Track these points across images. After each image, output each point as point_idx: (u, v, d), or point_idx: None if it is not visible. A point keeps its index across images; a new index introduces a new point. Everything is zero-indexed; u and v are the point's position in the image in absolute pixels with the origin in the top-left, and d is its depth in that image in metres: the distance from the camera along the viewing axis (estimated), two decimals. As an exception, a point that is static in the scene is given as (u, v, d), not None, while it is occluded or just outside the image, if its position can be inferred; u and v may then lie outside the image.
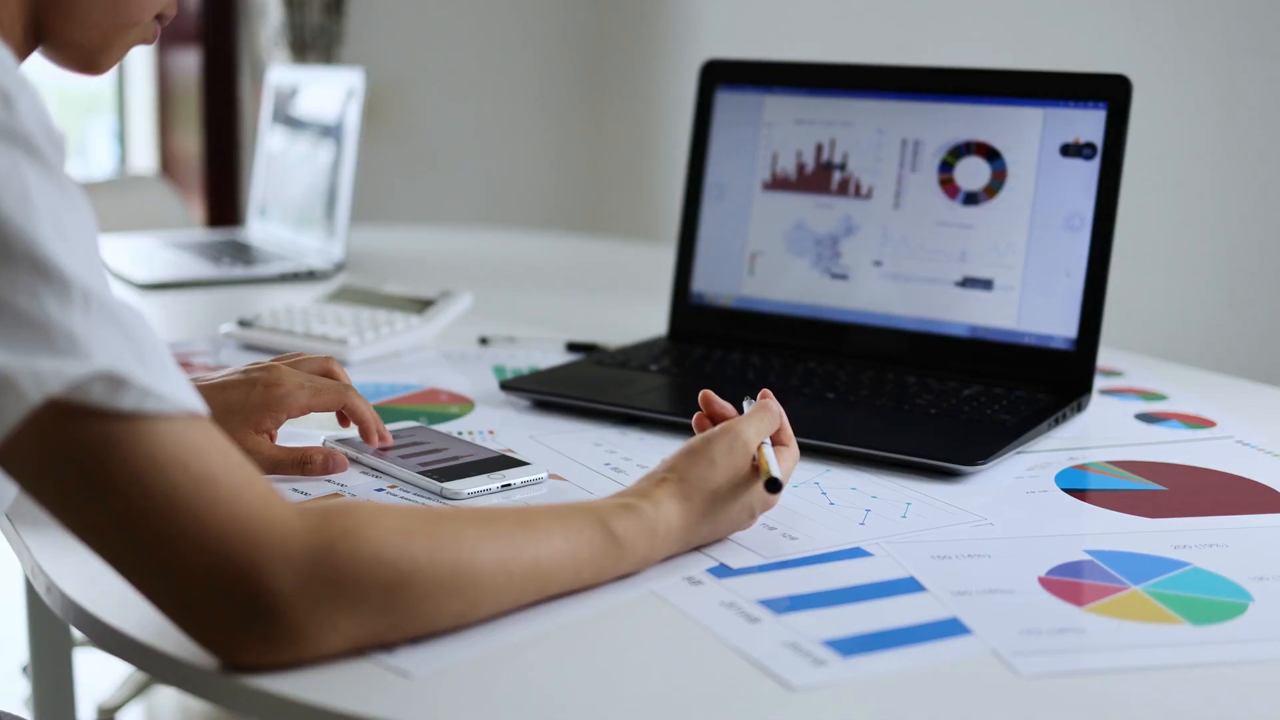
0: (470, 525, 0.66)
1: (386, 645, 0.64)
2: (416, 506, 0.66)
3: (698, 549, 0.79)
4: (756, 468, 0.80)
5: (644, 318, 1.48)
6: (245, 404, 0.89)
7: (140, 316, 0.61)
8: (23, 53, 0.77)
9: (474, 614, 0.66)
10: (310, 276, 1.79)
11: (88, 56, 0.80)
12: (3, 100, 0.59)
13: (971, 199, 1.21)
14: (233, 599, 0.59)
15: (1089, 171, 1.16)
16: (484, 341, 1.38)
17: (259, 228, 2.12)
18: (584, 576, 0.71)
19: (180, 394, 0.60)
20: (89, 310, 0.58)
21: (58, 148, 0.61)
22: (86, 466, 0.58)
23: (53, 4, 0.76)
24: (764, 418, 0.83)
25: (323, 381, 0.93)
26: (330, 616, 0.61)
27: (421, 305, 1.39)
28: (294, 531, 0.60)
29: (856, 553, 0.80)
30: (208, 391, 0.89)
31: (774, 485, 0.78)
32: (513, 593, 0.67)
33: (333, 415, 0.96)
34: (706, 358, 1.24)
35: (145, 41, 0.83)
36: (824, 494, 0.91)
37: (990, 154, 1.20)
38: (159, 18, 0.82)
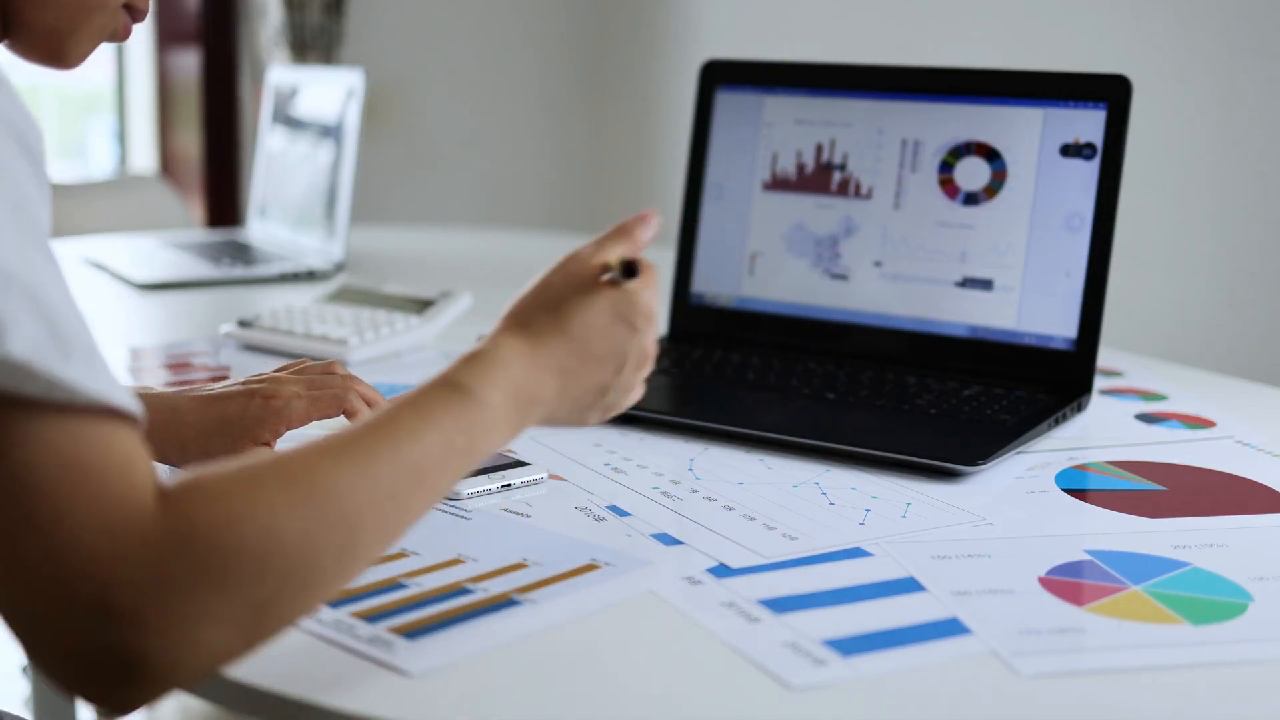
0: (329, 458, 0.60)
1: (282, 624, 0.58)
2: (271, 459, 0.58)
3: (618, 421, 0.72)
4: (611, 282, 0.73)
5: (644, 318, 1.48)
6: (243, 417, 0.88)
7: (73, 308, 0.58)
8: None
9: (364, 538, 0.60)
10: (310, 276, 1.79)
11: (55, 44, 0.77)
12: None
13: (971, 199, 1.21)
14: (83, 625, 0.53)
15: (1089, 171, 1.16)
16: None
17: (259, 228, 2.12)
18: (465, 452, 0.65)
19: (92, 388, 0.55)
20: (8, 293, 0.54)
21: (18, 136, 0.58)
22: None
23: None
24: (609, 237, 0.76)
25: (323, 386, 0.92)
26: (201, 606, 0.54)
27: (421, 305, 1.39)
28: (144, 534, 0.54)
29: (856, 553, 0.80)
30: (205, 403, 0.89)
31: (630, 269, 0.72)
32: (400, 502, 0.62)
33: (341, 417, 0.95)
34: (706, 358, 1.24)
35: (116, 37, 0.80)
36: (824, 494, 0.92)
37: (990, 154, 1.20)
38: (130, 10, 0.80)
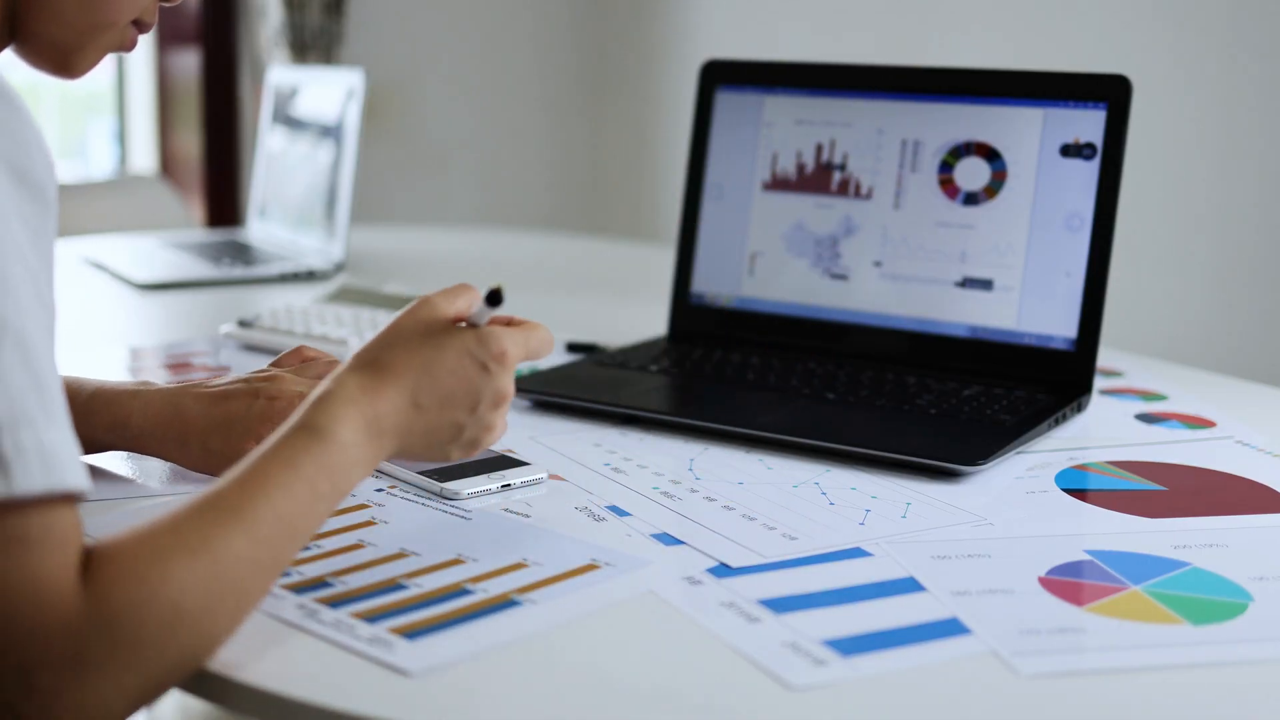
0: (221, 526, 0.63)
1: (176, 682, 0.62)
2: (169, 525, 0.62)
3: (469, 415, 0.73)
4: (458, 321, 0.75)
5: (644, 318, 1.48)
6: (247, 415, 0.88)
7: (50, 362, 0.60)
8: None
9: (250, 600, 0.64)
10: (310, 277, 1.79)
11: (62, 57, 0.78)
12: None
13: (971, 199, 1.21)
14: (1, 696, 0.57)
15: (1089, 171, 1.16)
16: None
17: (259, 228, 2.12)
18: (328, 496, 0.68)
19: (40, 483, 0.58)
20: None
21: (20, 174, 0.60)
22: None
23: (28, 0, 0.75)
24: (460, 289, 0.77)
25: None
26: (112, 682, 0.58)
27: (421, 305, 1.39)
28: (66, 615, 0.57)
29: (856, 553, 0.80)
30: (209, 401, 0.89)
31: (494, 297, 0.73)
32: (277, 558, 0.65)
33: None
34: (706, 358, 1.24)
35: (123, 48, 0.81)
36: (824, 494, 0.92)
37: (990, 154, 1.20)
38: (138, 24, 0.81)
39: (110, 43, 0.79)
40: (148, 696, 0.61)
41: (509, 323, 0.78)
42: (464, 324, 0.76)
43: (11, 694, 0.57)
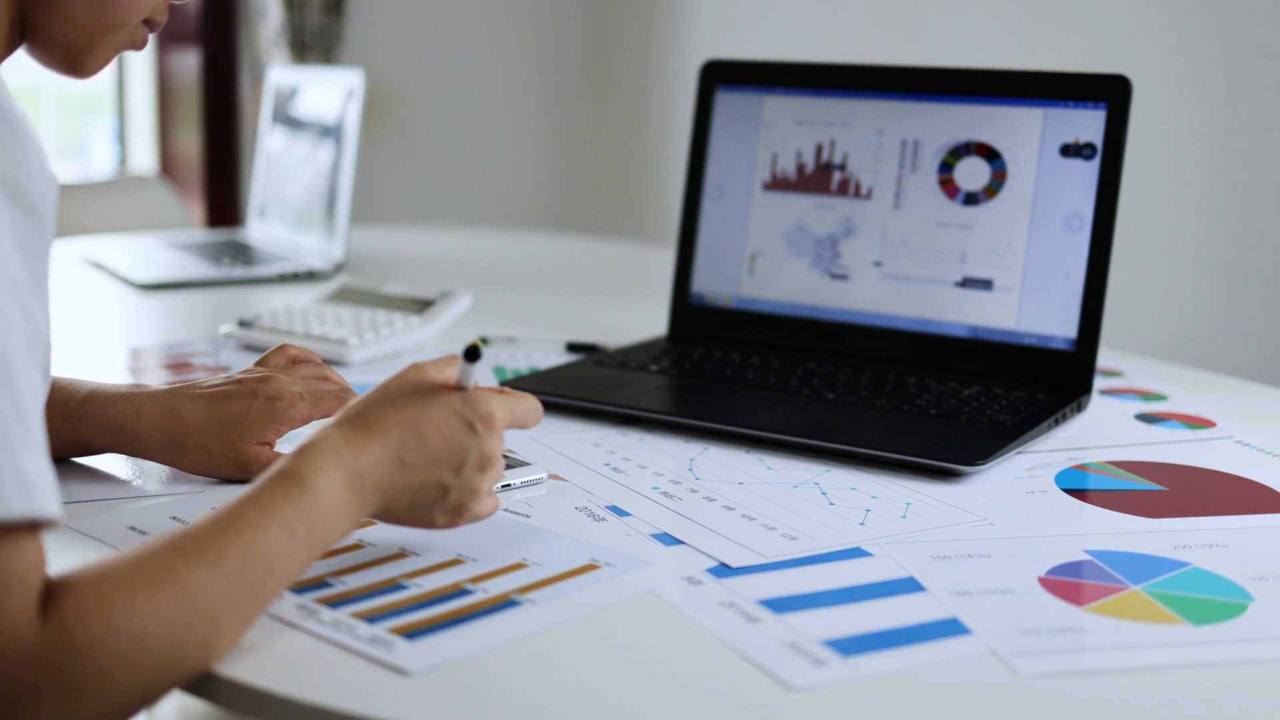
0: (184, 559, 0.62)
1: (142, 709, 0.61)
2: (133, 559, 0.61)
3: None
4: (447, 386, 0.75)
5: (644, 318, 1.48)
6: (246, 416, 0.88)
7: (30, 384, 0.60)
8: (6, 51, 0.76)
9: (223, 632, 0.63)
10: (310, 277, 1.79)
11: (72, 57, 0.78)
12: None
13: (971, 199, 1.21)
14: None
15: (1089, 172, 1.16)
16: (484, 342, 1.38)
17: (259, 228, 2.12)
18: (306, 540, 0.67)
19: (16, 507, 0.57)
20: None
21: (15, 193, 0.60)
22: None
23: (38, 1, 0.75)
24: (450, 359, 0.78)
25: (322, 388, 0.92)
26: (72, 716, 0.58)
27: (421, 305, 1.40)
28: (26, 651, 0.57)
29: (856, 553, 0.80)
30: (207, 404, 0.88)
31: (472, 353, 0.74)
32: (253, 593, 0.64)
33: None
34: (706, 358, 1.24)
35: (134, 47, 0.81)
36: (824, 494, 0.92)
37: (990, 154, 1.20)
38: (148, 23, 0.81)
39: (121, 42, 0.80)
40: (125, 712, 0.60)
41: (499, 393, 0.78)
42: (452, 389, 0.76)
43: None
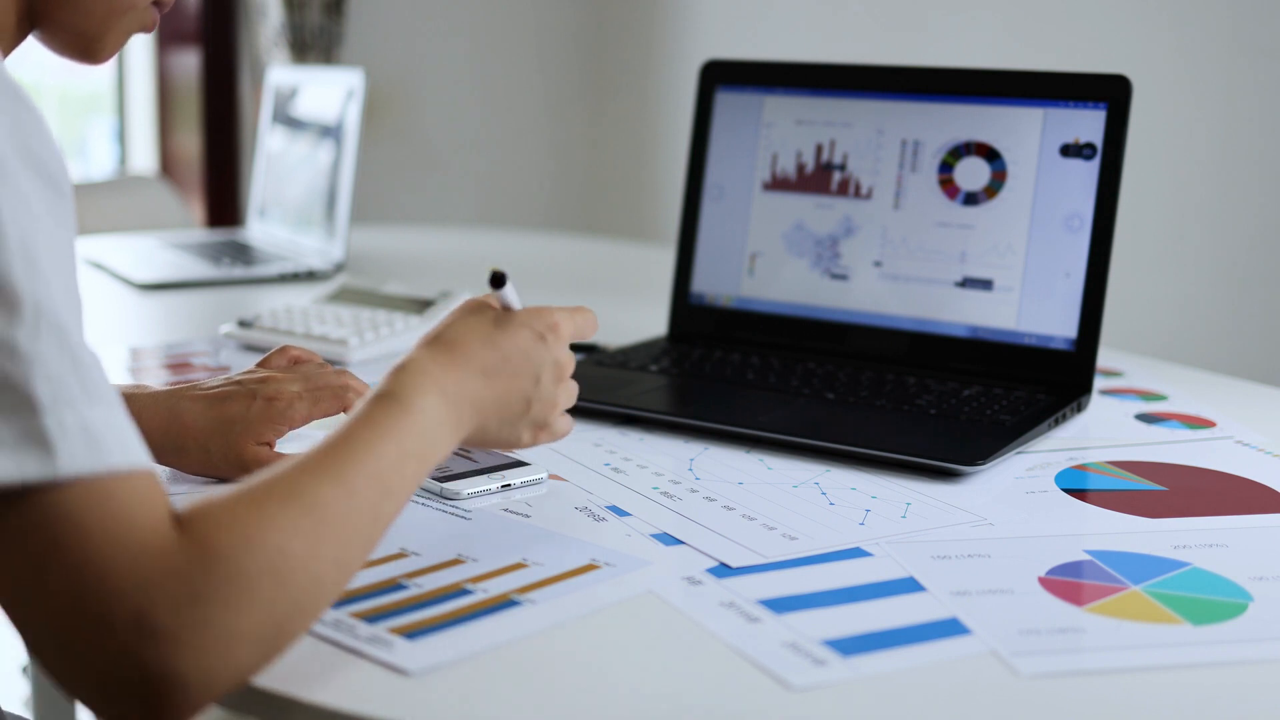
0: (309, 476, 0.63)
1: (294, 637, 0.61)
2: (262, 481, 0.62)
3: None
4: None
5: (644, 318, 1.48)
6: (246, 417, 0.88)
7: (90, 352, 0.60)
8: (16, 39, 0.76)
9: (351, 554, 0.64)
10: (310, 277, 1.79)
11: (85, 44, 0.78)
12: None
13: (971, 199, 1.21)
14: (123, 649, 0.56)
15: (1089, 172, 1.16)
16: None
17: (259, 228, 2.12)
18: (418, 456, 0.69)
19: (83, 458, 0.57)
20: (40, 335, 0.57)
21: (38, 167, 0.60)
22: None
23: None
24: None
25: (321, 380, 0.92)
26: (229, 624, 0.57)
27: (421, 305, 1.40)
28: (171, 560, 0.57)
29: (856, 553, 0.80)
30: (206, 404, 0.88)
31: (497, 279, 0.77)
32: (376, 515, 0.66)
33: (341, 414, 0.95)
34: (706, 358, 1.24)
35: (145, 29, 0.81)
36: (824, 494, 0.92)
37: (990, 154, 1.20)
38: (157, 4, 0.81)
39: (131, 25, 0.80)
40: (269, 648, 0.60)
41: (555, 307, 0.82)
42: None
43: (134, 644, 0.55)
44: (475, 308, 0.79)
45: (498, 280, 0.77)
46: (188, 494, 0.88)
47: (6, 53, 0.76)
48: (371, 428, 0.68)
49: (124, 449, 0.59)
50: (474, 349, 0.75)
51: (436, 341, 0.75)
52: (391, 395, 0.70)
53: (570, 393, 0.82)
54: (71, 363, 0.59)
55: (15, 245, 0.57)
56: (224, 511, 0.60)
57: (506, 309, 0.79)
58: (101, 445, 0.58)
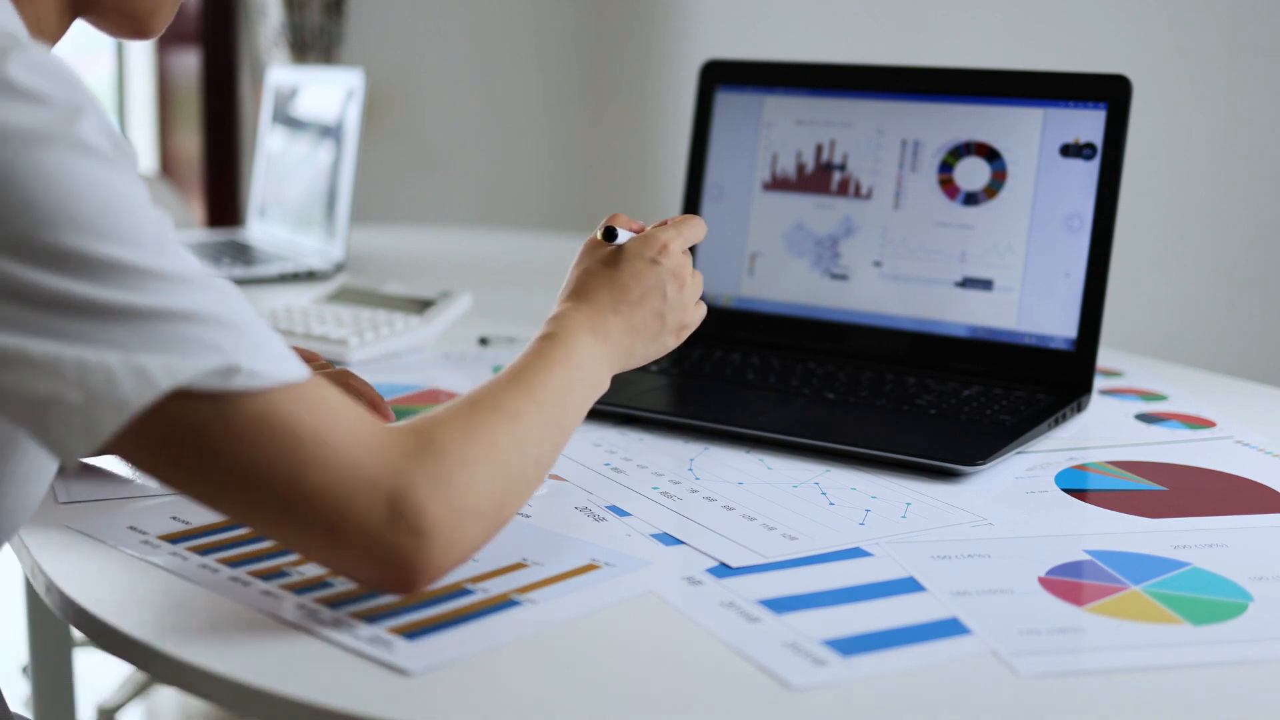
0: (503, 389, 0.74)
1: (506, 521, 0.70)
2: (461, 398, 0.73)
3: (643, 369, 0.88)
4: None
5: (644, 318, 1.48)
6: None
7: (238, 295, 0.66)
8: (65, 22, 0.77)
9: (546, 464, 0.74)
10: (310, 277, 1.79)
11: (137, 23, 0.80)
12: (76, 114, 0.63)
13: (971, 199, 1.21)
14: (380, 526, 0.63)
15: (1089, 172, 1.16)
16: (484, 342, 1.38)
17: (259, 228, 2.12)
18: (586, 382, 0.81)
19: (279, 368, 0.63)
20: (197, 297, 0.62)
21: (128, 155, 0.65)
22: (207, 444, 0.62)
23: None
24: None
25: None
26: (464, 500, 0.66)
27: (421, 305, 1.40)
28: (405, 449, 0.65)
29: (856, 553, 0.80)
30: None
31: (610, 233, 0.88)
32: (559, 436, 0.76)
33: None
34: (706, 358, 1.24)
35: None
36: (824, 494, 0.92)
37: (990, 154, 1.20)
38: None
39: None
40: (490, 528, 0.69)
41: (661, 227, 0.91)
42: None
43: (391, 521, 0.63)
44: (591, 248, 0.89)
45: (610, 234, 0.88)
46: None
47: (52, 43, 0.77)
48: (543, 359, 0.78)
49: (299, 366, 0.66)
50: (603, 292, 0.86)
51: (572, 295, 0.86)
52: (553, 336, 0.81)
53: (696, 287, 0.91)
54: (230, 307, 0.65)
55: (150, 232, 0.63)
56: (442, 416, 0.69)
57: (619, 247, 0.89)
58: (299, 363, 0.65)
